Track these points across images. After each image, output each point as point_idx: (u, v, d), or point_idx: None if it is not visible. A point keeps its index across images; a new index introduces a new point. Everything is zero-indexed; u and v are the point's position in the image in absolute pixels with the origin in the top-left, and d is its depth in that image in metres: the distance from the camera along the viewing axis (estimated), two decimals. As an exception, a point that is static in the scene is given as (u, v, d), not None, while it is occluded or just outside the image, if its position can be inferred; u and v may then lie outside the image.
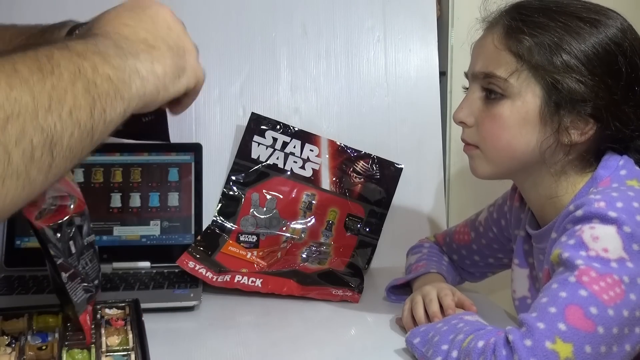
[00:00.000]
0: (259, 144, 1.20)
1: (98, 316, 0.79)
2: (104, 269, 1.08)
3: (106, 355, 0.71)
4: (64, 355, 0.71)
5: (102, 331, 0.75)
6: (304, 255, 1.13)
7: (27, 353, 0.70)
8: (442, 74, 1.31)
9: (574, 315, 0.68)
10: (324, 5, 1.28)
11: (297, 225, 1.20)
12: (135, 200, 1.14)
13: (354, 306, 1.01)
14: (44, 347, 0.71)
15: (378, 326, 0.93)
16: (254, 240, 1.16)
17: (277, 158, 1.21)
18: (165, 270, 1.08)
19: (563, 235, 0.76)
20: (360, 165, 1.22)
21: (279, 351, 0.84)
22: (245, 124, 1.21)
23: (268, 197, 1.19)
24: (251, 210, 1.18)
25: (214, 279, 1.03)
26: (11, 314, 0.77)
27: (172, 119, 1.21)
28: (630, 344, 0.70)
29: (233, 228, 1.16)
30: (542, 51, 0.79)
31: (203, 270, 1.03)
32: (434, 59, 1.30)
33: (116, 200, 1.13)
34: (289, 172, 1.21)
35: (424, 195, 1.29)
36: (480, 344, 0.70)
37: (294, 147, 1.21)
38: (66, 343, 0.73)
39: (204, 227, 1.15)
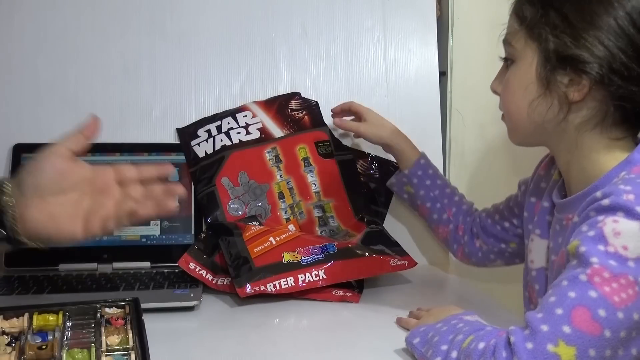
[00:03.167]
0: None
1: (98, 315, 0.79)
2: (103, 269, 1.09)
3: (106, 355, 0.71)
4: (64, 354, 0.70)
5: (102, 330, 0.75)
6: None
7: (27, 352, 0.70)
8: (442, 74, 1.31)
9: (580, 317, 0.66)
10: (324, 5, 1.28)
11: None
12: (136, 200, 1.14)
13: (354, 306, 1.01)
14: (44, 347, 0.71)
15: (378, 326, 0.93)
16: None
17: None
18: (165, 270, 1.08)
19: (584, 224, 0.73)
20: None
21: (279, 351, 0.84)
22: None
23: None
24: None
25: (214, 282, 1.03)
26: (11, 314, 0.77)
27: (173, 118, 1.22)
28: (636, 347, 0.68)
29: None
30: (533, 10, 0.80)
31: (203, 272, 1.03)
32: (434, 59, 1.30)
33: (116, 200, 1.13)
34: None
35: (424, 195, 1.29)
36: (481, 345, 0.70)
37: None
38: (66, 342, 0.73)
39: (204, 227, 1.15)
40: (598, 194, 0.73)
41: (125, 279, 1.04)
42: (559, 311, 0.67)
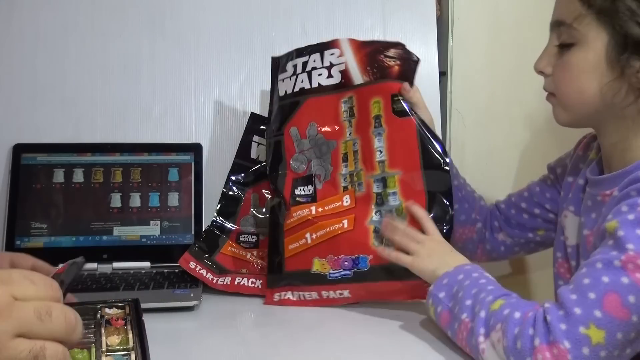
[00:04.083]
0: (258, 143, 1.19)
1: (98, 316, 0.79)
2: (103, 269, 1.09)
3: (106, 355, 0.71)
4: (64, 355, 0.70)
5: (102, 331, 0.75)
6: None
7: (27, 353, 0.70)
8: (442, 74, 1.31)
9: (611, 303, 0.69)
10: (324, 5, 1.28)
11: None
12: (135, 200, 1.14)
13: (354, 306, 1.01)
14: (44, 347, 0.71)
15: (378, 326, 0.93)
16: (254, 240, 1.13)
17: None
18: (165, 270, 1.08)
19: (624, 204, 0.75)
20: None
21: (279, 351, 0.84)
22: (245, 123, 1.21)
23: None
24: (251, 210, 1.14)
25: (215, 281, 1.03)
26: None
27: (173, 118, 1.22)
28: None
29: (233, 228, 1.15)
30: None
31: (204, 272, 1.03)
32: (434, 59, 1.30)
33: (116, 200, 1.14)
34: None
35: (424, 195, 1.29)
36: (517, 315, 0.72)
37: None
38: (66, 343, 0.73)
39: (204, 227, 1.15)
40: None
41: (125, 279, 1.04)
42: (592, 296, 0.70)
